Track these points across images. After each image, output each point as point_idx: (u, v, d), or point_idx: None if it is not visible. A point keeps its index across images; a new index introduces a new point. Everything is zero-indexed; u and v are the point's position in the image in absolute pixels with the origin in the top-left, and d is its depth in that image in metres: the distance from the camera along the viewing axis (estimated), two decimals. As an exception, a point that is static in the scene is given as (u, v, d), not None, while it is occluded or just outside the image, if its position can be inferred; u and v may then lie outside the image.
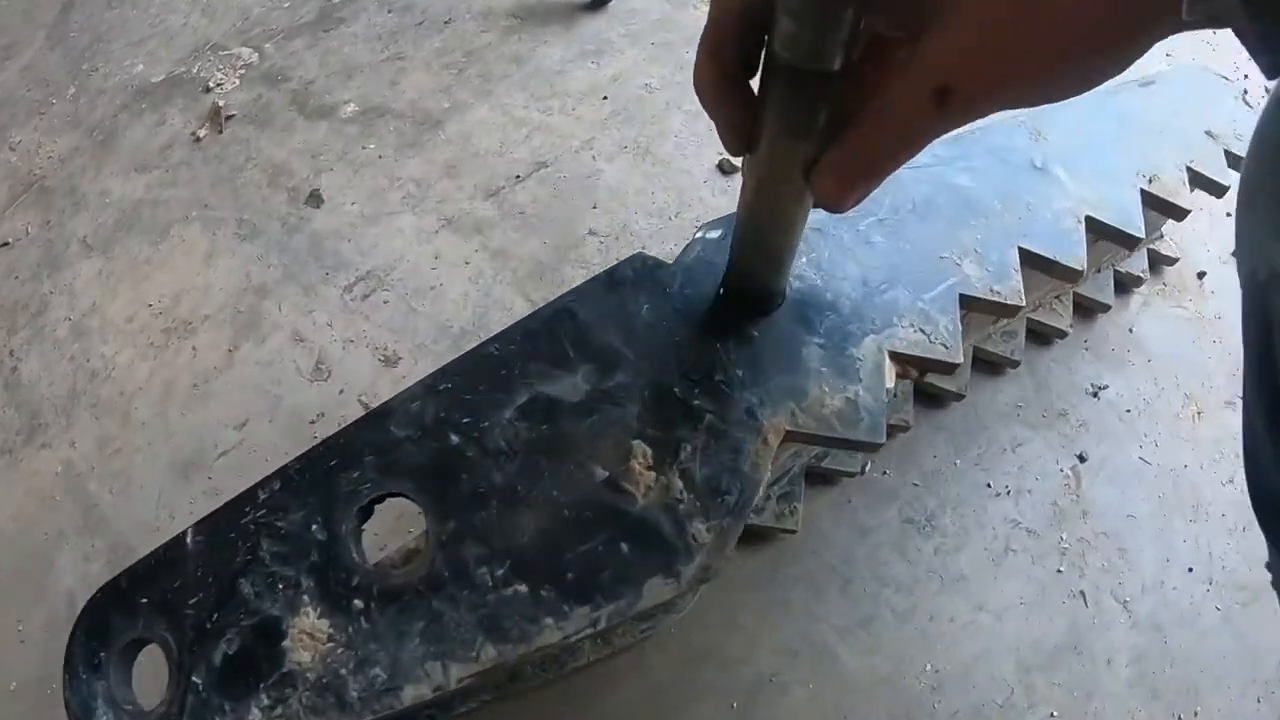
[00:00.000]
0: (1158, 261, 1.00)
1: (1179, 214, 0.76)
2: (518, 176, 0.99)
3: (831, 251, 0.54)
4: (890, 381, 0.49)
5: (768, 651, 0.70)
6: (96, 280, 1.00)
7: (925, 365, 0.51)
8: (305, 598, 0.46)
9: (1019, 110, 0.33)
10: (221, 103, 1.18)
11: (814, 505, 0.75)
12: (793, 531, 0.71)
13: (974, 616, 0.72)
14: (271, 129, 1.11)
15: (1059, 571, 0.78)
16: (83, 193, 1.11)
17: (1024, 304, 0.58)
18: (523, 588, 0.45)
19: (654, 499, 0.45)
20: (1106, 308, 0.91)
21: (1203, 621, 0.72)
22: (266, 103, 1.15)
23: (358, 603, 0.46)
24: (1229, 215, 1.11)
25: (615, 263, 0.53)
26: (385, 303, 0.91)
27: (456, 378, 0.51)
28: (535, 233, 0.94)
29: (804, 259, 0.53)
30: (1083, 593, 0.77)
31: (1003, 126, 0.71)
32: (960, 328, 0.53)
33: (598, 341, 0.50)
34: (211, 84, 1.22)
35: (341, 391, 0.86)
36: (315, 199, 1.01)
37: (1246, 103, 0.84)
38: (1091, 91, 0.26)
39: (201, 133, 1.17)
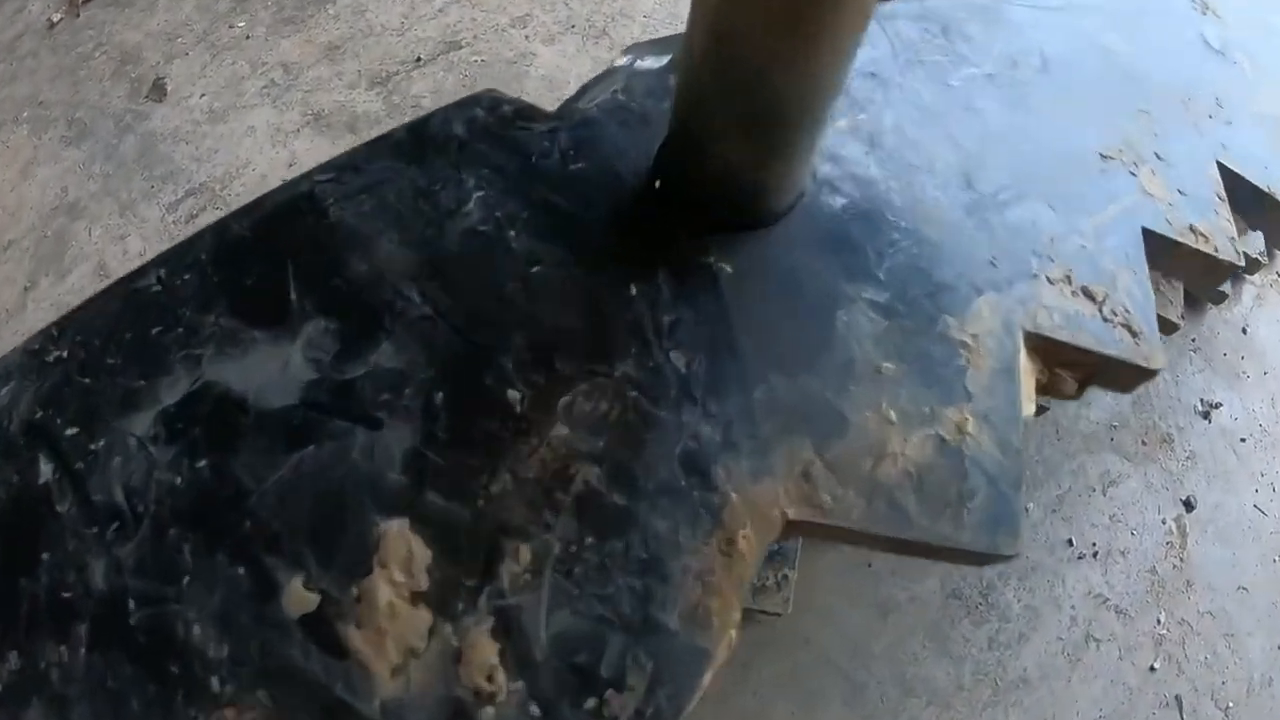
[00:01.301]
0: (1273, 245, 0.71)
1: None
2: (418, 59, 0.68)
3: (900, 115, 0.25)
4: (1029, 405, 0.20)
5: (728, 787, 0.44)
6: (-85, 200, 0.76)
7: (1094, 365, 0.21)
8: None
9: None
10: (86, -20, 0.88)
11: (814, 569, 0.48)
12: (777, 615, 0.42)
13: (1036, 738, 0.47)
14: (132, 9, 0.83)
15: (1152, 669, 0.51)
16: (-75, 97, 0.85)
17: (1241, 262, 0.28)
18: None
19: (422, 683, 0.16)
20: (1222, 296, 0.63)
21: (1311, 732, 0.55)
22: (136, -23, 0.85)
23: None
24: (1340, 195, 0.83)
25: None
26: (215, 229, 0.62)
27: (79, 337, 0.22)
28: (430, 138, 0.64)
29: (843, 122, 0.24)
30: (1179, 698, 0.51)
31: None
32: (1152, 293, 0.24)
33: (354, 271, 0.20)
34: (83, -40, 0.92)
35: (144, 351, 0.58)
36: (159, 90, 0.71)
37: None
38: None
39: (56, 17, 0.88)
